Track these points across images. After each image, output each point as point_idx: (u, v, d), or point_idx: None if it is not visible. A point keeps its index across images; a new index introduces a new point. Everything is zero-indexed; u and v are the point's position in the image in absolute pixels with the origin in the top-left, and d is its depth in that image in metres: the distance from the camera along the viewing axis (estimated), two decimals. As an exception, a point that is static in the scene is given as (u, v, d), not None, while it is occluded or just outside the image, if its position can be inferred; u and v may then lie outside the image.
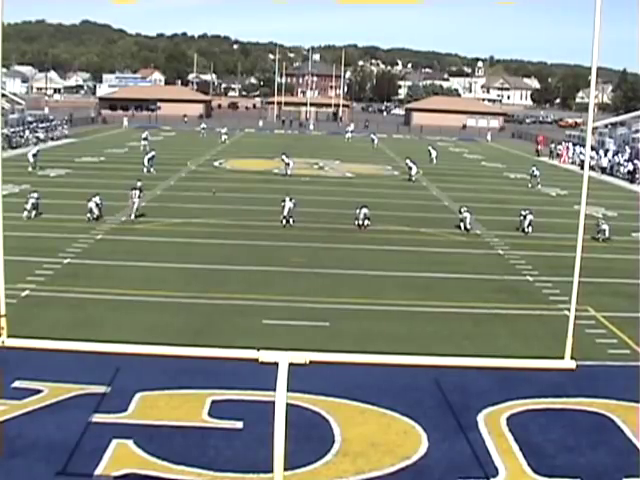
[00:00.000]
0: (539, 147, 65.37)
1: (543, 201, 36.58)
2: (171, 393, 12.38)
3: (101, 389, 12.31)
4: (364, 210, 27.90)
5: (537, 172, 42.43)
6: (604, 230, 27.44)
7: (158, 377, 12.71)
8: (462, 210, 28.62)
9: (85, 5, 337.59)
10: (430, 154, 52.20)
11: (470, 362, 9.87)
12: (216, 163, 47.68)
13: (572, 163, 58.01)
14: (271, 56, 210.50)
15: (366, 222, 27.76)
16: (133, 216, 27.69)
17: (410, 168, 42.76)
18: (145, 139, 53.07)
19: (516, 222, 30.21)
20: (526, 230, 28.16)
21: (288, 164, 42.64)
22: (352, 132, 74.00)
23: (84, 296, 17.63)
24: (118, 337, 13.91)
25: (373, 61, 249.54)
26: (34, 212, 27.14)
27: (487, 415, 12.10)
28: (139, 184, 29.90)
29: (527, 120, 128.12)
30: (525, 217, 28.51)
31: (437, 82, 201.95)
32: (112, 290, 18.17)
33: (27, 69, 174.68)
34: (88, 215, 26.94)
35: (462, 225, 28.25)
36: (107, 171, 40.98)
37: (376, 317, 17.07)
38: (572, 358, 8.30)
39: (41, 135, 56.46)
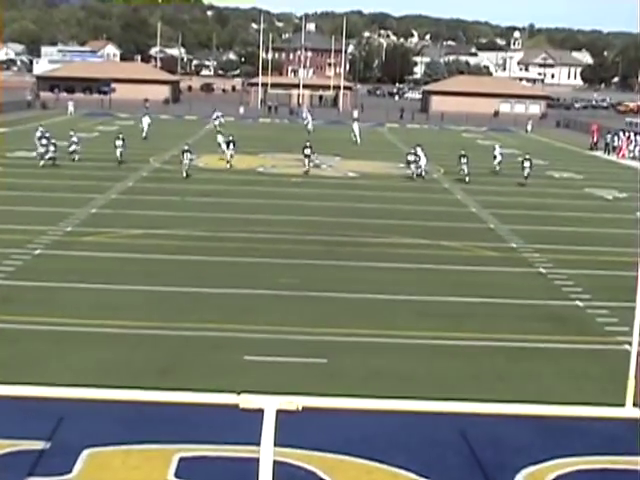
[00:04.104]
0: (595, 138, 65.13)
1: (596, 206, 36.68)
2: (128, 449, 12.34)
3: (39, 445, 12.24)
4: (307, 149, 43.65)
5: (498, 153, 46.42)
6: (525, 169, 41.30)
7: (112, 429, 12.67)
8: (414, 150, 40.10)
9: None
10: (353, 131, 60.81)
11: (505, 409, 9.88)
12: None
13: (633, 158, 58.15)
14: (254, 26, 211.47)
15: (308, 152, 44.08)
16: (185, 174, 40.12)
17: (418, 159, 43.31)
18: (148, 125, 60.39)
19: (560, 232, 30.37)
20: (465, 178, 41.03)
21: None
22: (357, 121, 73.68)
23: (18, 327, 17.58)
24: (61, 378, 13.86)
25: (382, 32, 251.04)
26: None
27: (528, 476, 12.08)
28: (186, 147, 42.05)
29: (576, 105, 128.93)
30: (461, 161, 41.90)
31: (462, 58, 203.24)
32: (54, 319, 18.13)
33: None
34: (184, 167, 40.29)
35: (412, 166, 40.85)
36: (48, 169, 41.01)
37: (386, 352, 17.07)
38: (635, 405, 8.31)
39: None
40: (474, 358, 16.90)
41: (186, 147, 42.07)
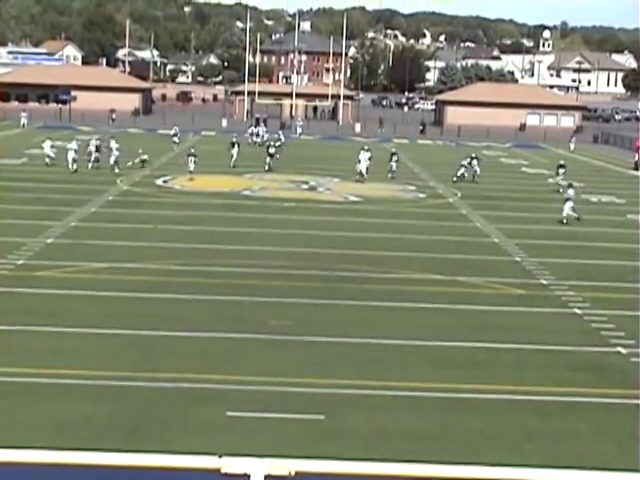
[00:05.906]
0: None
1: (637, 236, 36.72)
2: (90, 522, 12.28)
3: (-15, 516, 12.21)
4: (272, 147, 53.75)
5: (477, 166, 51.76)
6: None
7: (71, 498, 12.62)
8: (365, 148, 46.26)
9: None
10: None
11: (535, 475, 9.88)
12: (159, 181, 47.87)
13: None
14: (239, 24, 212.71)
15: (272, 151, 53.45)
16: (191, 177, 48.43)
17: (359, 162, 50.47)
18: (175, 135, 66.05)
19: (598, 266, 30.40)
20: (391, 175, 49.95)
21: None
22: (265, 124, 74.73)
23: (-39, 377, 17.55)
24: (12, 439, 13.83)
25: (389, 32, 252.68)
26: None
27: None
28: (192, 150, 51.73)
29: (617, 116, 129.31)
30: (392, 159, 51.87)
31: (483, 62, 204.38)
32: (2, 368, 18.10)
33: None
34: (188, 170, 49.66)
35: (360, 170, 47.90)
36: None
37: (394, 407, 17.03)
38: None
39: None
40: (498, 414, 16.87)
41: (192, 150, 51.47)
